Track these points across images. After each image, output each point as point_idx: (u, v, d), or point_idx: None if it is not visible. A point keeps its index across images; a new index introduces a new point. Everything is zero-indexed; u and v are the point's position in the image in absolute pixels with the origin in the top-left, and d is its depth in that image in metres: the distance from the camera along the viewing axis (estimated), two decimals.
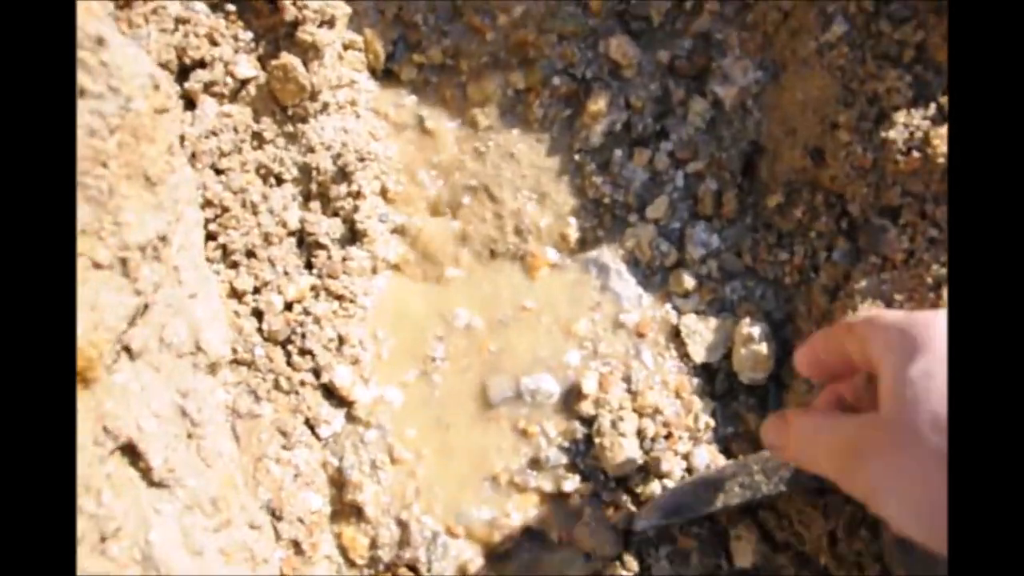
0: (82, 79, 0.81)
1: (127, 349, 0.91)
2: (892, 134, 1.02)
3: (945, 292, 0.95)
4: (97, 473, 0.86)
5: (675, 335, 1.18)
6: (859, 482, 0.64)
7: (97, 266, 0.82)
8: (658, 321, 1.19)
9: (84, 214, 0.81)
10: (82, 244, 0.81)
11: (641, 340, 1.18)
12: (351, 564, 1.09)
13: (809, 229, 1.13)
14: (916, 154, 1.00)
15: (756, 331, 1.13)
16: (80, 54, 0.81)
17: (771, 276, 1.17)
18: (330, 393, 1.12)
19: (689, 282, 1.18)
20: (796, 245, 1.14)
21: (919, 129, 1.01)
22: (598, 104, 1.21)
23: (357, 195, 1.17)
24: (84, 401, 0.80)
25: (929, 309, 0.84)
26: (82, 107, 0.82)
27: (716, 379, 1.17)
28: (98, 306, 0.80)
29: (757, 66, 1.21)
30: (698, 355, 1.16)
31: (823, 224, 1.11)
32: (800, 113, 1.15)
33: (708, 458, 1.13)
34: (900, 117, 1.03)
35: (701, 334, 1.17)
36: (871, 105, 1.06)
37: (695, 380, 1.17)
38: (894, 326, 0.64)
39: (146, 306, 0.93)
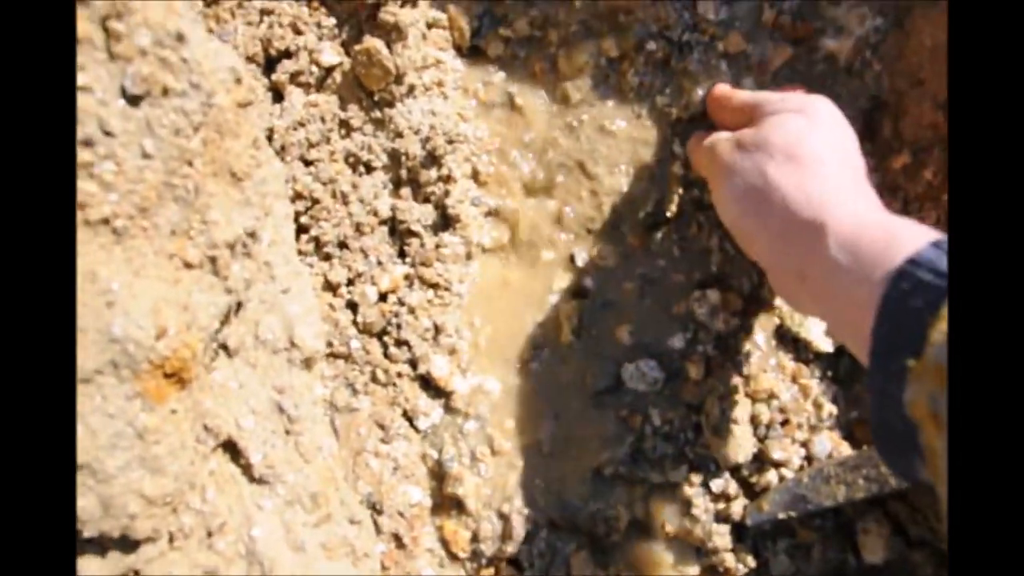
0: (164, 77, 0.81)
1: (224, 347, 0.91)
2: None
3: None
4: (201, 470, 0.87)
5: (790, 316, 1.09)
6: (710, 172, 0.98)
7: (188, 266, 0.81)
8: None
9: (171, 213, 0.81)
10: (172, 244, 0.81)
11: (752, 319, 1.10)
12: (453, 558, 1.07)
13: (941, 192, 1.01)
14: None
15: None
16: (162, 52, 0.81)
17: None
18: (427, 384, 1.10)
19: None
20: (926, 211, 1.03)
21: None
22: (695, 69, 1.13)
23: (448, 179, 1.14)
24: (182, 401, 0.80)
25: None
26: (166, 105, 0.81)
27: (839, 362, 1.07)
28: (190, 306, 0.80)
29: (876, 12, 1.09)
30: (818, 340, 1.07)
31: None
32: (928, 62, 1.03)
33: (830, 446, 1.04)
34: None
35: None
36: None
37: (813, 363, 1.08)
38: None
39: (240, 304, 0.93)
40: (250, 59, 1.18)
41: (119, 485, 0.75)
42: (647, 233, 1.15)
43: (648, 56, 1.16)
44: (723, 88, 1.09)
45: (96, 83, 0.78)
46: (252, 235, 0.89)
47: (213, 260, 0.83)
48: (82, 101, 0.77)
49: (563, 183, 1.17)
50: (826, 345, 1.08)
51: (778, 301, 1.10)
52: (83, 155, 0.77)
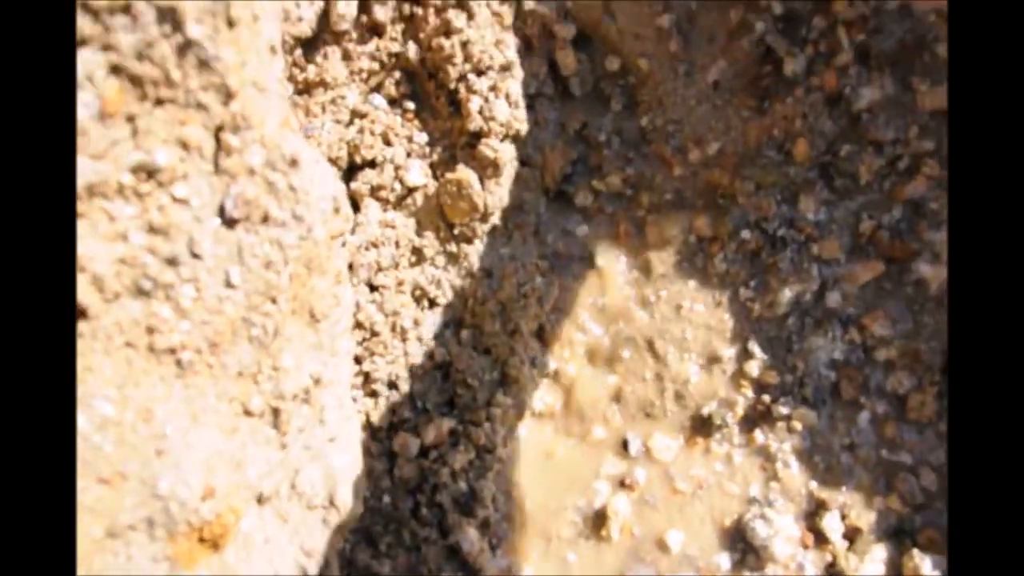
0: (268, 202, 0.73)
1: (256, 495, 0.81)
2: None
3: None
4: None
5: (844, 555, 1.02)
6: None
7: (248, 414, 0.72)
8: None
9: (243, 353, 0.72)
10: (236, 387, 0.72)
11: (806, 551, 1.02)
12: None
13: None
14: None
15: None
16: (271, 176, 0.73)
17: None
18: (454, 554, 1.00)
19: None
20: None
21: None
22: (785, 268, 1.08)
23: (513, 333, 1.06)
24: (211, 567, 0.70)
25: None
26: (263, 234, 0.73)
27: None
28: (243, 463, 0.70)
29: None
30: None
31: None
32: None
33: None
34: None
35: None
36: None
37: None
38: None
39: (283, 446, 0.83)
40: (332, 161, 1.12)
41: None
42: (708, 432, 1.08)
43: (740, 244, 1.11)
44: None
45: (196, 196, 0.70)
46: (317, 381, 0.80)
47: (276, 412, 0.74)
48: (176, 213, 0.69)
49: (628, 359, 1.10)
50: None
51: (835, 538, 1.02)
52: (165, 273, 0.68)
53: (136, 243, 0.66)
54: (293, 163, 0.75)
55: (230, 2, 0.71)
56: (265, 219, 0.73)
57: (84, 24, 0.63)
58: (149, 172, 0.67)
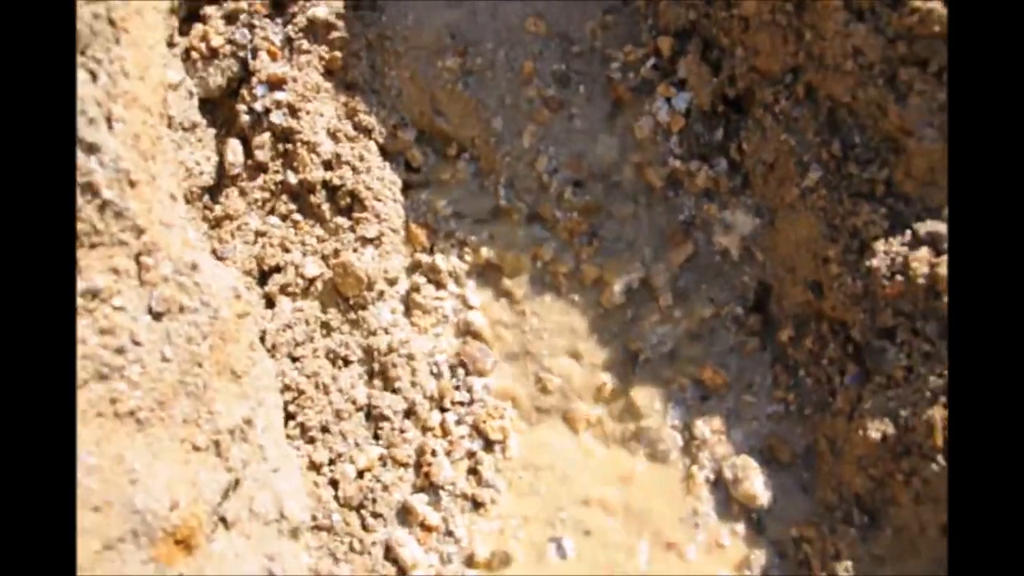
0: (181, 297, 1.02)
1: (223, 520, 1.06)
2: (875, 262, 1.14)
3: (943, 401, 1.02)
4: None
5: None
6: None
7: (196, 448, 0.98)
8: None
9: (184, 406, 0.99)
10: (184, 431, 0.98)
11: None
12: None
13: (820, 358, 1.23)
14: (899, 278, 1.11)
15: None
16: (179, 279, 1.02)
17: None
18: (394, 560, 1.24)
19: None
20: (811, 373, 1.24)
21: (899, 255, 1.13)
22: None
23: (413, 372, 1.34)
24: (187, 566, 0.94)
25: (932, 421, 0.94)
26: (182, 320, 1.02)
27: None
28: (197, 483, 0.96)
29: (753, 214, 1.36)
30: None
31: (832, 351, 1.21)
32: (795, 252, 1.28)
33: None
34: (880, 246, 1.15)
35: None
36: (853, 238, 1.18)
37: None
38: None
39: (237, 481, 1.08)
40: (247, 272, 1.41)
41: None
42: None
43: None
44: None
45: (128, 304, 0.98)
46: (248, 422, 1.07)
47: (217, 444, 1.00)
48: (117, 318, 0.97)
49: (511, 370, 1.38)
50: None
51: None
52: (116, 360, 0.96)
53: (92, 343, 0.94)
54: (194, 267, 1.04)
55: (129, 171, 1.01)
56: (182, 309, 1.02)
57: None
58: (93, 294, 0.96)
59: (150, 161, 1.10)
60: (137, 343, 0.97)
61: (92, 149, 0.96)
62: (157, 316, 1.00)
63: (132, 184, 1.02)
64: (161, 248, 1.03)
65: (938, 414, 1.02)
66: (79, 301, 0.94)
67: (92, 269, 0.97)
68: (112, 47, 1.06)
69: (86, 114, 0.96)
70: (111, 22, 1.06)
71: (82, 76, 0.99)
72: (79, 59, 1.00)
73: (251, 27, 1.50)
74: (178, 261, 1.03)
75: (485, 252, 1.42)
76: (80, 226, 0.95)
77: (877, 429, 1.08)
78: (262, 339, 1.33)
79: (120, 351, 0.96)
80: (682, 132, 1.41)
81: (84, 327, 0.95)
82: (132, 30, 1.15)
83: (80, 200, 0.96)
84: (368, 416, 1.34)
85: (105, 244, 0.99)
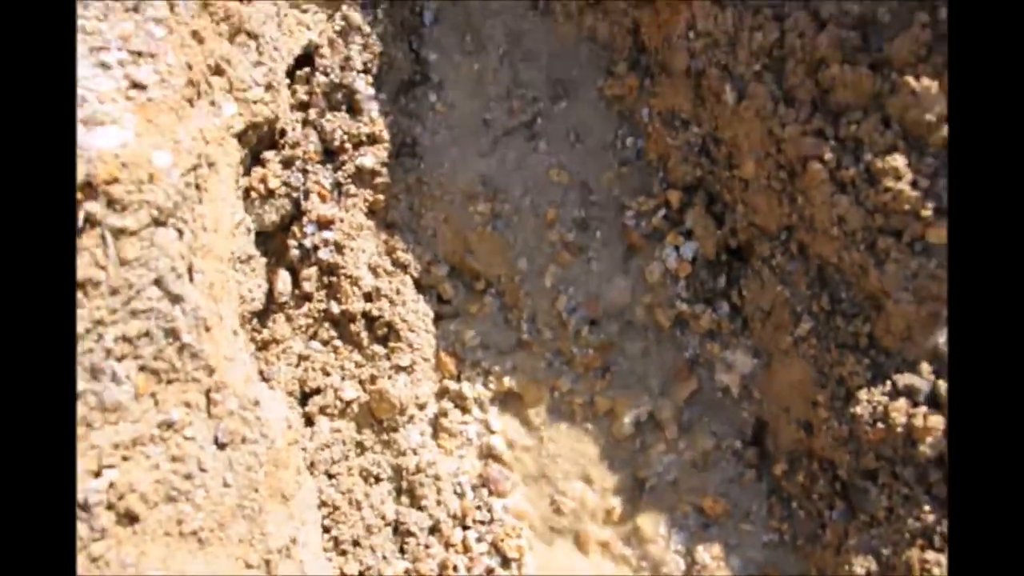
0: (243, 430, 1.16)
1: None
2: (859, 409, 1.27)
3: (920, 543, 1.14)
4: None
5: None
6: None
7: (248, 566, 1.11)
8: None
9: (240, 527, 1.12)
10: (239, 550, 1.11)
11: None
12: None
13: (810, 492, 1.35)
14: (880, 425, 1.24)
15: None
16: (243, 413, 1.17)
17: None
18: None
19: None
20: (804, 506, 1.35)
21: (880, 404, 1.25)
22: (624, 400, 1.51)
23: (439, 492, 1.47)
24: None
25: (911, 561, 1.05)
26: (243, 449, 1.16)
27: None
28: None
29: (752, 355, 1.50)
30: None
31: (822, 487, 1.33)
32: (789, 393, 1.41)
33: None
34: (863, 395, 1.28)
35: None
36: (840, 385, 1.32)
37: None
38: None
39: None
40: (290, 393, 1.55)
41: None
42: None
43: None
44: None
45: (198, 434, 1.13)
46: (294, 541, 1.19)
47: (267, 563, 1.12)
48: (187, 447, 1.11)
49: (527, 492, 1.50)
50: None
51: None
52: (184, 484, 1.09)
53: (164, 468, 1.08)
54: (256, 403, 1.19)
55: (206, 318, 1.17)
56: (243, 440, 1.16)
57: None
58: (168, 424, 1.10)
59: (220, 303, 1.26)
60: (203, 470, 1.11)
61: (177, 299, 1.13)
62: (222, 446, 1.14)
63: (207, 329, 1.18)
64: (228, 385, 1.18)
65: (916, 556, 1.13)
66: (155, 431, 1.09)
67: (168, 403, 1.12)
68: (196, 207, 1.24)
69: (175, 270, 1.13)
70: (197, 187, 1.25)
71: (171, 235, 1.16)
72: (169, 220, 1.17)
73: (304, 172, 1.69)
74: (243, 397, 1.18)
75: (507, 381, 1.57)
76: (160, 365, 1.11)
77: (862, 565, 1.19)
78: (303, 459, 1.47)
79: (188, 477, 1.10)
80: (688, 277, 1.57)
81: (158, 454, 1.09)
82: (211, 188, 1.34)
83: (163, 342, 1.11)
84: (396, 531, 1.46)
85: (180, 380, 1.14)
